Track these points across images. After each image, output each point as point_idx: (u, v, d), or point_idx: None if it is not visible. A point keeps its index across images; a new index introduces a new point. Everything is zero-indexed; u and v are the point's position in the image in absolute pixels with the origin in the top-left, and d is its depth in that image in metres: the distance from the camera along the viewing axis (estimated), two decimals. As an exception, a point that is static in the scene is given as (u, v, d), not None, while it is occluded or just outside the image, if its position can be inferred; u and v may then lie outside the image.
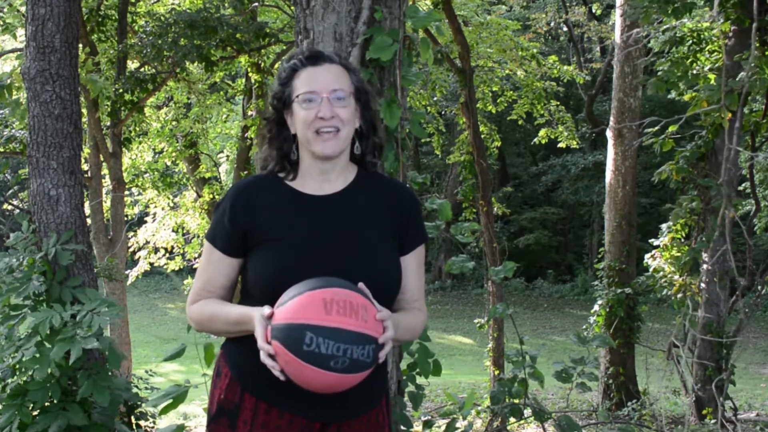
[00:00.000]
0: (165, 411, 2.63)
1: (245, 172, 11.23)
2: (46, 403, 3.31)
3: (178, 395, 2.60)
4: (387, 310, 1.71)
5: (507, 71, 10.41)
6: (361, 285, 1.70)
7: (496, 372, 8.05)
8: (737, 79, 5.36)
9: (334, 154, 1.82)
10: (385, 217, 1.89)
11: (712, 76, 6.17)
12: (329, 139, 1.80)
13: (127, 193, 11.12)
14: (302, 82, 1.83)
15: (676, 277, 6.26)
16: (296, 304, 1.65)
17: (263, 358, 1.67)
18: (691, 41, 6.86)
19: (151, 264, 12.54)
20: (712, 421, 5.77)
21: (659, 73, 6.58)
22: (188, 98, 11.12)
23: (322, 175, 1.87)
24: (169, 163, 12.21)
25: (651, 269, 6.60)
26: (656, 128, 6.20)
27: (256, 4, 8.92)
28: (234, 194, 1.88)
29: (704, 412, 6.15)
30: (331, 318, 1.61)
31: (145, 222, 12.82)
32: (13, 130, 7.71)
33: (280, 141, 1.89)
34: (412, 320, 1.90)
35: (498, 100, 10.98)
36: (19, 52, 8.54)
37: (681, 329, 6.00)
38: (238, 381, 1.85)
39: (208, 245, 1.90)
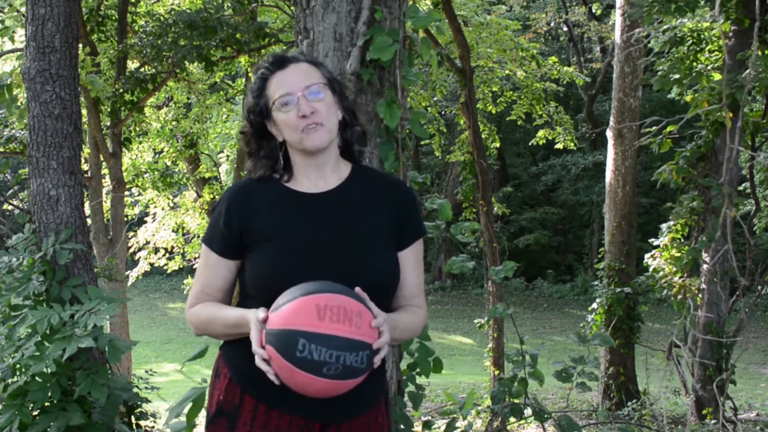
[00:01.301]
0: (191, 416, 2.59)
1: (245, 172, 11.21)
2: (46, 403, 3.31)
3: (197, 397, 2.57)
4: (383, 315, 1.69)
5: (507, 72, 10.41)
6: (357, 290, 1.69)
7: (496, 372, 8.05)
8: (743, 75, 5.33)
9: (323, 144, 1.81)
10: (382, 213, 1.89)
11: (716, 75, 6.15)
12: (316, 130, 1.80)
13: (127, 193, 11.12)
14: (275, 88, 1.83)
15: (676, 278, 6.26)
16: (290, 309, 1.64)
17: (258, 362, 1.67)
18: (691, 41, 6.86)
19: (151, 264, 12.54)
20: (713, 421, 5.77)
21: (659, 72, 6.57)
22: (188, 98, 11.12)
23: (316, 172, 1.87)
24: (169, 163, 12.21)
25: (651, 269, 6.60)
26: (654, 128, 6.20)
27: (255, 4, 8.92)
28: (229, 197, 1.88)
29: (704, 412, 6.15)
30: (324, 325, 1.61)
31: (145, 222, 12.82)
32: (13, 130, 7.71)
33: (268, 150, 1.89)
34: (411, 319, 1.90)
35: (498, 101, 10.98)
36: (19, 52, 8.53)
37: (681, 329, 5.99)
38: (237, 382, 1.85)
39: (205, 248, 1.90)
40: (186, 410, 2.59)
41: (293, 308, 1.64)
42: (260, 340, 1.67)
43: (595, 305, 8.31)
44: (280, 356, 1.62)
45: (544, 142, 11.17)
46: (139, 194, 12.69)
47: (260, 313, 1.68)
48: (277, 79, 1.84)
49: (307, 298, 1.64)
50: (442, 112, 13.19)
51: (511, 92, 10.96)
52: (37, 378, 3.26)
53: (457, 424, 3.30)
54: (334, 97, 1.87)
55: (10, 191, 18.14)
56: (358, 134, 1.93)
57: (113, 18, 8.66)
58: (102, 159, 8.42)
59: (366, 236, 1.85)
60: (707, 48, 6.85)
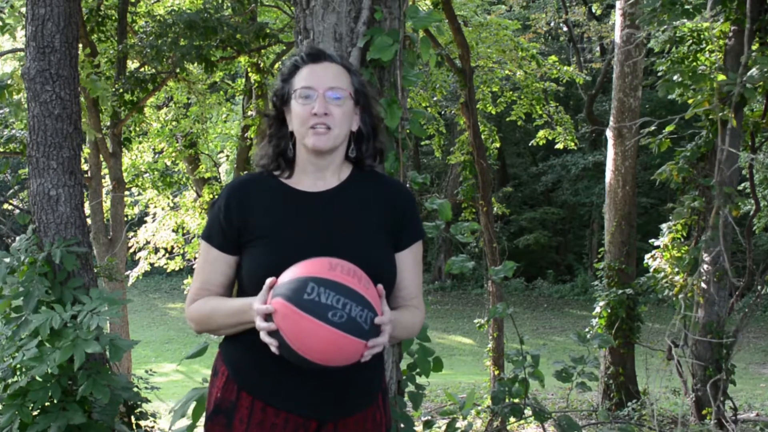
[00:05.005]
0: (196, 416, 2.58)
1: (245, 172, 11.21)
2: (47, 403, 3.31)
3: (200, 397, 2.56)
4: (389, 313, 1.70)
5: (507, 72, 10.41)
6: (380, 287, 1.71)
7: (496, 372, 8.05)
8: (750, 74, 5.31)
9: (325, 147, 1.83)
10: (380, 214, 1.90)
11: (720, 76, 6.14)
12: (322, 133, 1.81)
13: (127, 193, 11.12)
14: (301, 78, 1.86)
15: (677, 278, 6.25)
16: (300, 264, 1.69)
17: (258, 323, 1.66)
18: (691, 41, 6.85)
19: (152, 264, 12.55)
20: (713, 421, 5.77)
21: (660, 73, 6.56)
22: (188, 98, 11.12)
23: (317, 172, 1.89)
24: (169, 163, 12.21)
25: (651, 269, 6.59)
26: (653, 128, 6.19)
27: (255, 4, 8.92)
28: (229, 192, 1.89)
29: (704, 412, 6.15)
30: (335, 274, 1.64)
31: (145, 222, 12.82)
32: (13, 130, 7.71)
33: (278, 138, 1.91)
34: (410, 318, 1.91)
35: (498, 101, 10.98)
36: (19, 52, 8.53)
37: (681, 329, 5.99)
38: (234, 380, 1.85)
39: (204, 244, 1.91)
40: (190, 410, 2.59)
41: (304, 263, 1.68)
42: (266, 299, 1.67)
43: (598, 309, 8.30)
44: (286, 302, 1.62)
45: (544, 142, 11.17)
46: (139, 194, 12.69)
47: (270, 279, 1.70)
48: (306, 71, 1.86)
49: (320, 258, 1.69)
50: (442, 112, 13.18)
51: (511, 92, 10.95)
52: (37, 378, 3.27)
53: (457, 424, 3.31)
54: (356, 108, 1.89)
55: (10, 191, 18.14)
56: (373, 150, 1.95)
57: (113, 18, 8.65)
58: (102, 159, 8.42)
59: (362, 236, 1.86)
60: (707, 48, 6.85)
